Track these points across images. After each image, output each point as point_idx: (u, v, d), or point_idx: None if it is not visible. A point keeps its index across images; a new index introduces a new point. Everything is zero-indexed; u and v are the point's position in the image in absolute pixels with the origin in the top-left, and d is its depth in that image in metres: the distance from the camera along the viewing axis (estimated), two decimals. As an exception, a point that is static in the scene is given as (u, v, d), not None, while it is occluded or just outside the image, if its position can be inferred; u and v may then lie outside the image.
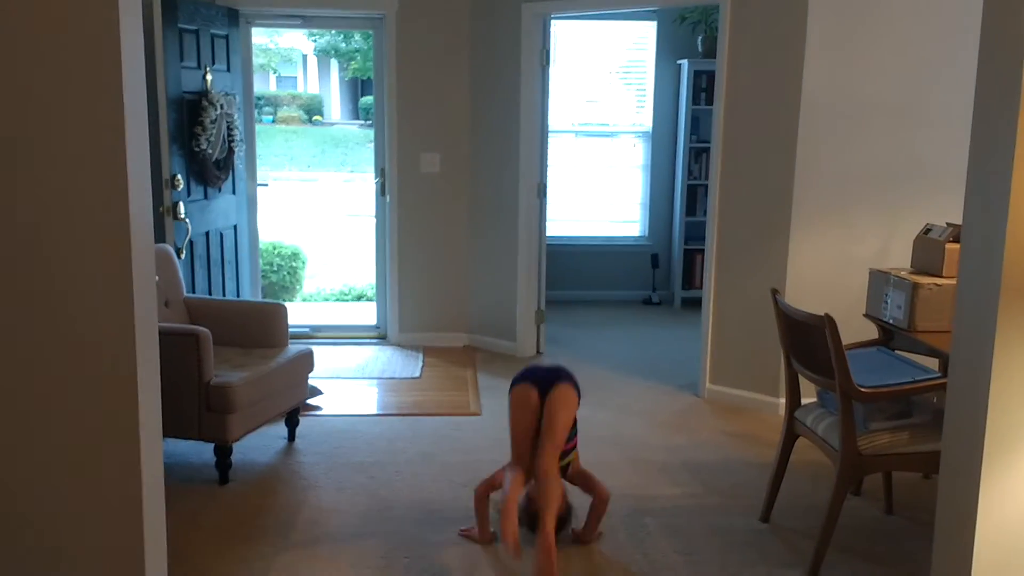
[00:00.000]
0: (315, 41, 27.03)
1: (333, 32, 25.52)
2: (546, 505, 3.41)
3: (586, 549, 3.64)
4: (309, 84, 30.07)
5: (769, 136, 5.08)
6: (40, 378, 2.41)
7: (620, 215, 8.35)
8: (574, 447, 3.75)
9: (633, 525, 3.86)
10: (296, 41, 27.17)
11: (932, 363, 3.90)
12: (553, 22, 6.58)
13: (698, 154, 7.92)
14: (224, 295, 5.91)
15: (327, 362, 6.09)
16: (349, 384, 5.76)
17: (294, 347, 4.74)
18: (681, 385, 5.79)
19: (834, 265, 5.08)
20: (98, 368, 2.40)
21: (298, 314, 7.21)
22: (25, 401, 2.42)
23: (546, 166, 6.28)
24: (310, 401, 5.25)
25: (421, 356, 6.36)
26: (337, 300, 9.72)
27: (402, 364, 6.17)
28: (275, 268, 9.25)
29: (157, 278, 4.45)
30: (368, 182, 7.07)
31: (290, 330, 4.85)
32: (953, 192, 4.73)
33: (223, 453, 4.20)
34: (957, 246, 3.70)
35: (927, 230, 4.04)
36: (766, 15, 5.01)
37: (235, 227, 6.08)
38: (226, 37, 5.84)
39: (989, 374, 2.41)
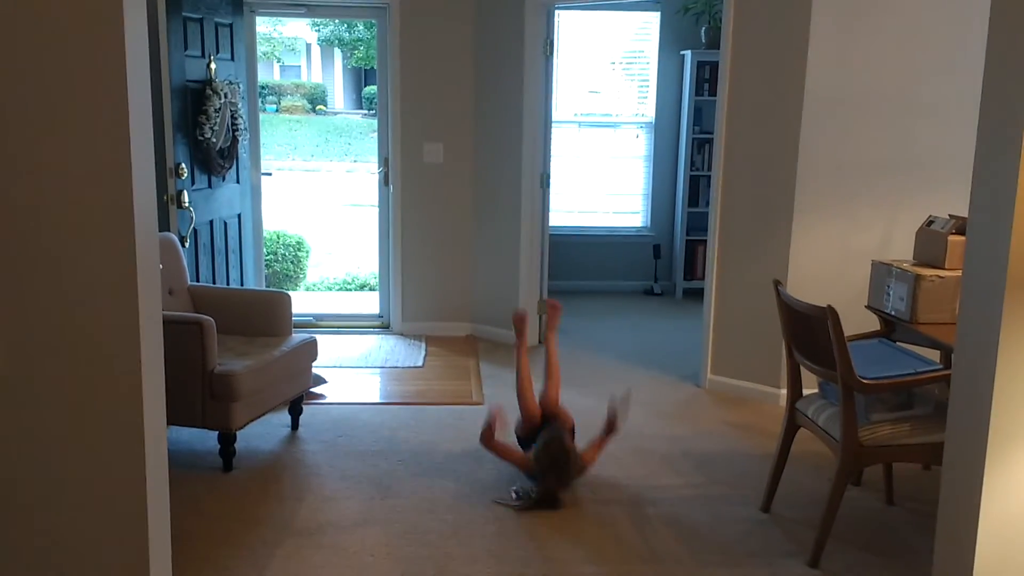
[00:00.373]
0: (318, 31, 27.01)
1: (336, 21, 25.50)
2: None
3: (589, 537, 3.65)
4: (313, 73, 30.07)
5: (772, 127, 5.08)
6: (44, 366, 2.42)
7: (622, 206, 8.36)
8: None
9: (635, 514, 3.88)
10: (300, 30, 27.18)
11: (934, 355, 3.91)
12: (556, 12, 6.57)
13: (701, 145, 7.92)
14: (228, 284, 5.92)
15: (330, 351, 6.11)
16: (352, 373, 5.78)
17: (298, 336, 4.75)
18: (683, 376, 5.80)
19: (836, 256, 5.09)
20: (102, 356, 2.41)
21: (302, 303, 7.23)
22: (29, 389, 2.43)
23: (549, 156, 6.29)
24: (313, 389, 5.27)
25: (424, 345, 6.38)
26: (340, 289, 9.74)
27: (405, 353, 6.19)
28: (279, 257, 9.27)
29: (161, 266, 4.47)
30: (371, 172, 7.07)
31: (294, 319, 4.87)
32: (956, 184, 4.74)
33: (227, 441, 4.23)
34: (960, 238, 3.71)
35: (930, 222, 4.04)
36: (770, 6, 5.00)
37: (239, 216, 6.09)
38: (230, 26, 5.84)
39: (994, 366, 2.42)
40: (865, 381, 3.29)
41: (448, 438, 4.69)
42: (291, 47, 28.44)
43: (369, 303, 7.32)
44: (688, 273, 8.13)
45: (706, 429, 4.89)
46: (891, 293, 3.91)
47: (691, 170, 7.97)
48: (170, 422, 4.17)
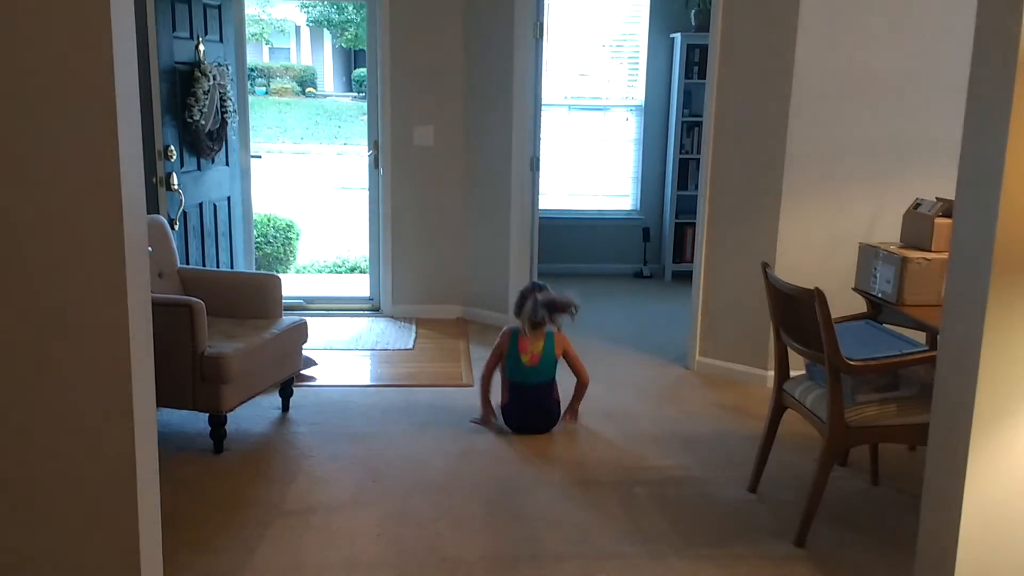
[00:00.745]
0: (307, 12, 26.88)
1: (326, 3, 25.38)
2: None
3: (578, 518, 3.68)
4: (302, 56, 29.93)
5: (761, 110, 5.09)
6: (32, 350, 2.41)
7: (612, 189, 8.36)
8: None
9: (623, 495, 3.91)
10: (289, 12, 27.04)
11: (920, 336, 3.94)
12: (547, -6, 6.56)
13: (690, 128, 7.93)
14: (218, 266, 5.92)
15: (321, 333, 6.11)
16: (343, 355, 5.79)
17: (288, 318, 4.76)
18: (671, 358, 5.83)
19: (824, 239, 5.11)
20: (91, 339, 2.41)
21: (292, 286, 7.23)
22: (17, 373, 2.43)
23: (539, 139, 6.29)
24: (304, 372, 5.28)
25: (414, 328, 6.39)
26: (331, 272, 9.73)
27: (395, 336, 6.20)
28: (269, 240, 9.26)
29: (151, 249, 4.47)
30: (362, 155, 7.05)
31: (284, 301, 4.87)
32: (943, 167, 4.76)
33: (217, 423, 4.24)
34: (947, 220, 3.73)
35: (917, 204, 4.07)
36: (760, -11, 5.01)
37: (228, 198, 6.08)
38: (219, 7, 5.82)
39: (979, 347, 2.44)
40: (852, 362, 3.32)
41: (439, 420, 4.71)
42: (280, 28, 28.30)
43: (359, 286, 7.33)
44: (677, 256, 8.15)
45: (694, 411, 4.93)
46: (878, 275, 3.93)
47: (680, 153, 7.98)
48: (160, 404, 4.18)
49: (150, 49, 5.02)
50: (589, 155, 8.26)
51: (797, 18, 4.87)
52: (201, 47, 5.49)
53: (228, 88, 5.75)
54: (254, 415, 4.71)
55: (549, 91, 7.91)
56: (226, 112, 5.73)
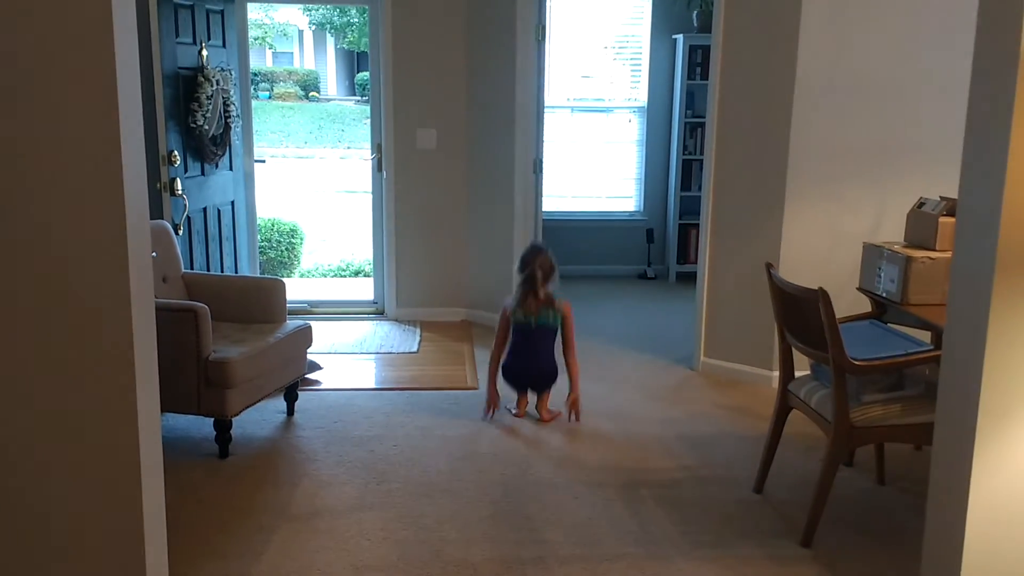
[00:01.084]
0: (310, 15, 26.92)
1: (328, 6, 25.42)
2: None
3: (583, 519, 3.68)
4: (305, 60, 29.97)
5: (764, 111, 5.08)
6: (36, 355, 2.41)
7: (615, 190, 8.36)
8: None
9: (629, 496, 3.91)
10: (292, 16, 27.07)
11: (925, 336, 3.93)
12: (549, -3, 6.56)
13: (693, 129, 7.92)
14: (222, 271, 5.93)
15: (325, 337, 6.12)
16: (347, 359, 5.80)
17: (292, 322, 4.76)
18: (676, 359, 5.83)
19: (828, 239, 5.11)
20: (94, 344, 2.41)
21: (296, 290, 7.24)
22: (21, 378, 2.43)
23: (542, 142, 6.29)
24: (309, 376, 5.28)
25: (418, 331, 6.39)
26: (335, 276, 9.74)
27: (400, 339, 6.20)
28: (273, 244, 9.27)
29: (155, 254, 4.48)
30: (365, 158, 7.06)
31: (288, 306, 4.87)
32: (947, 166, 4.74)
33: (223, 427, 4.24)
34: (951, 220, 3.73)
35: (920, 204, 4.06)
36: (762, -11, 5.01)
37: (232, 203, 6.09)
38: (221, 12, 5.83)
39: (984, 346, 2.44)
40: (856, 362, 3.31)
41: (443, 423, 4.71)
42: (283, 32, 28.34)
43: (363, 289, 7.33)
44: (681, 257, 8.15)
45: (699, 411, 4.92)
46: (882, 275, 3.93)
47: (684, 154, 7.98)
48: (166, 409, 4.18)
49: (153, 54, 5.03)
50: (592, 157, 8.26)
51: (799, 18, 4.87)
52: (204, 52, 5.50)
53: (231, 93, 5.76)
54: (259, 419, 4.71)
55: (551, 93, 7.90)
56: (229, 117, 5.74)
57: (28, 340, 2.41)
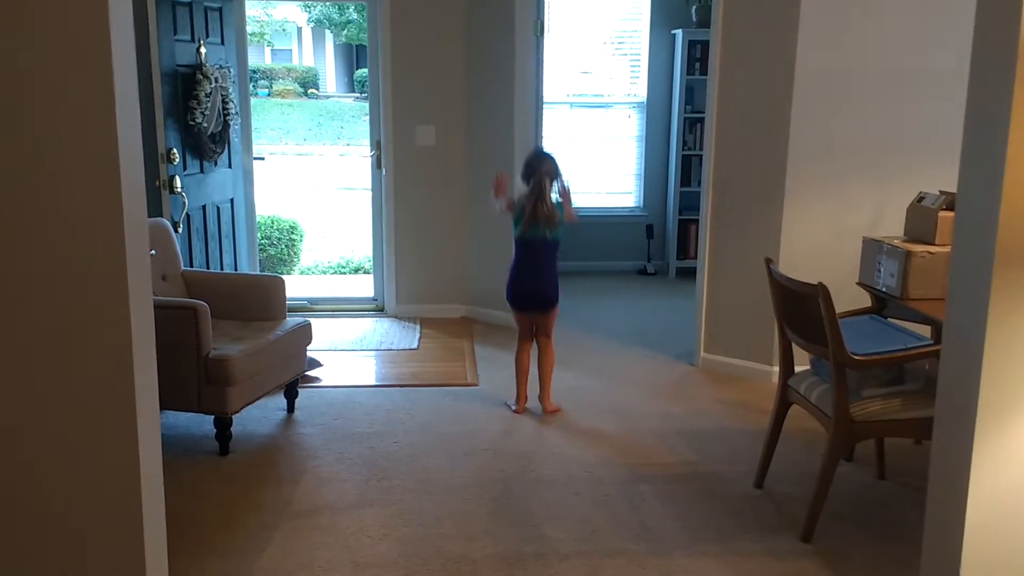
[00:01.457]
0: (308, 12, 26.89)
1: (327, 3, 25.39)
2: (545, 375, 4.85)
3: (584, 515, 3.68)
4: (304, 57, 29.93)
5: (763, 106, 5.08)
6: (34, 354, 2.41)
7: (615, 186, 8.36)
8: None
9: (630, 492, 3.91)
10: (290, 13, 27.05)
11: (925, 330, 3.93)
12: (547, -8, 6.55)
13: (692, 124, 7.92)
14: (222, 268, 5.93)
15: (325, 334, 6.12)
16: (347, 356, 5.80)
17: (292, 320, 4.77)
18: (676, 354, 5.83)
19: (828, 234, 5.10)
20: (92, 343, 2.41)
21: (296, 287, 7.23)
22: (19, 377, 2.43)
23: (541, 137, 6.29)
24: (309, 373, 5.28)
25: (418, 328, 6.39)
26: (335, 273, 9.74)
27: (400, 336, 6.20)
28: (273, 241, 9.26)
29: (155, 252, 4.48)
30: (364, 155, 7.07)
31: (288, 303, 4.88)
32: (946, 160, 4.71)
33: (223, 425, 4.24)
34: (950, 214, 3.72)
35: (920, 198, 4.06)
36: (760, -16, 5.00)
37: (232, 201, 6.09)
38: (219, 10, 5.82)
39: (983, 341, 2.44)
40: (856, 357, 3.31)
41: (443, 419, 4.71)
42: (282, 28, 28.31)
43: (363, 286, 7.33)
44: (681, 252, 8.15)
45: (699, 407, 4.92)
46: (882, 269, 3.93)
47: (683, 150, 7.97)
48: (166, 407, 4.19)
49: (152, 52, 5.03)
50: (592, 152, 8.25)
51: (798, 13, 4.86)
52: (203, 50, 5.50)
53: (230, 90, 5.76)
54: (260, 417, 4.72)
55: (551, 89, 7.91)
56: (228, 114, 5.74)
57: (26, 339, 2.41)
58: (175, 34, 5.24)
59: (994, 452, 2.51)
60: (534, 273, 4.70)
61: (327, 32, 28.49)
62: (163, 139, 5.14)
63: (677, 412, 4.85)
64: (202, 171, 5.60)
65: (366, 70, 7.71)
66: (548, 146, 6.45)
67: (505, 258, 6.27)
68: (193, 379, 4.15)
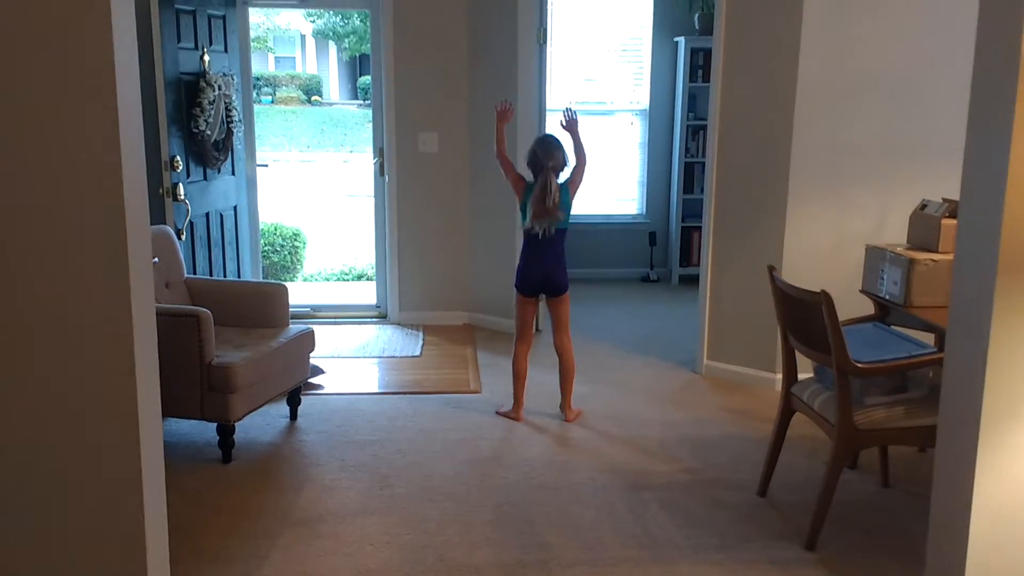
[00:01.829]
0: (313, 23, 26.95)
1: (331, 12, 25.43)
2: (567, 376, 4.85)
3: (586, 523, 3.68)
4: (308, 64, 30.00)
5: (765, 113, 5.08)
6: (36, 361, 2.41)
7: (618, 193, 8.36)
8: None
9: (632, 500, 3.90)
10: (294, 20, 27.10)
11: (928, 338, 3.92)
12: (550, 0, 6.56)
13: (695, 132, 7.92)
14: (225, 276, 5.93)
15: (328, 342, 6.12)
16: (350, 363, 5.80)
17: (295, 327, 4.76)
18: (679, 361, 5.82)
19: (830, 241, 5.10)
20: (95, 351, 2.41)
21: (299, 294, 7.24)
22: (22, 384, 2.43)
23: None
24: (312, 380, 5.28)
25: (421, 335, 6.39)
26: (338, 280, 9.74)
27: (402, 343, 6.20)
28: (276, 248, 9.27)
29: (157, 259, 4.48)
30: (367, 162, 7.07)
31: (291, 310, 4.88)
32: (950, 167, 4.72)
33: (225, 432, 4.24)
34: (953, 222, 3.72)
35: (923, 206, 4.06)
36: (763, -8, 5.01)
37: (235, 208, 6.10)
38: (223, 17, 5.84)
39: (986, 349, 2.43)
40: (860, 365, 3.31)
41: (446, 427, 4.70)
42: (285, 34, 28.38)
43: (366, 293, 7.33)
44: (684, 260, 8.14)
45: (702, 415, 4.92)
46: (885, 277, 3.92)
47: (686, 157, 7.98)
48: (169, 414, 4.19)
49: (155, 60, 5.04)
50: (594, 159, 8.22)
51: (800, 19, 4.87)
52: (206, 57, 5.51)
53: (233, 98, 5.77)
54: (262, 424, 4.71)
55: (553, 96, 7.90)
56: (232, 122, 5.75)
57: (28, 346, 2.41)
58: (178, 42, 5.25)
59: (998, 460, 2.50)
60: (543, 260, 4.71)
61: (330, 42, 28.56)
62: (166, 147, 5.15)
63: (680, 419, 4.85)
64: (205, 178, 5.61)
65: (369, 77, 7.71)
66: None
67: (508, 265, 6.29)
68: (196, 386, 4.15)
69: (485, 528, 3.65)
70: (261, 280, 6.82)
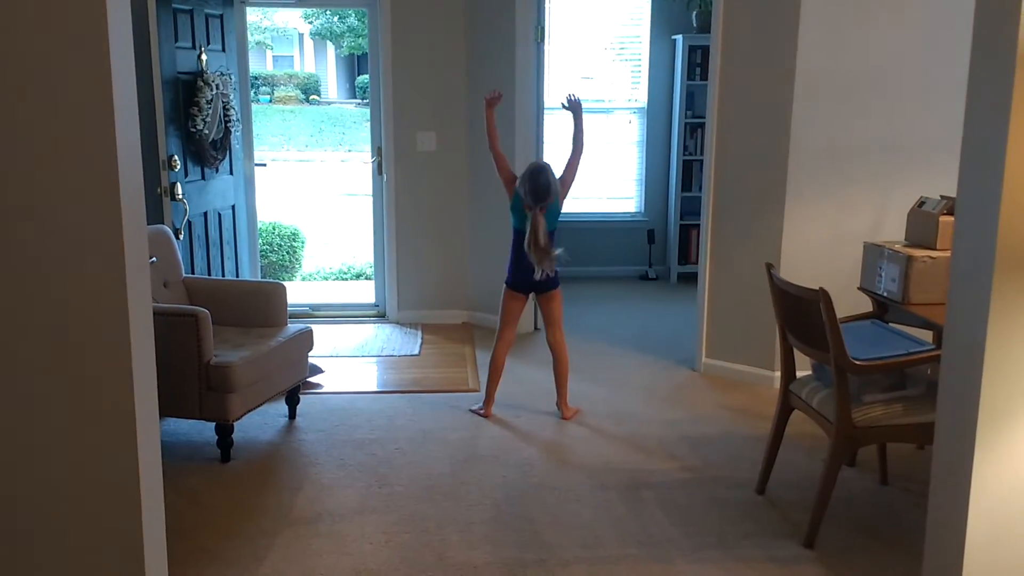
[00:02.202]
0: (311, 23, 26.93)
1: (328, 12, 25.41)
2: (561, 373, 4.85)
3: (585, 521, 3.68)
4: (306, 63, 29.98)
5: (763, 111, 5.08)
6: (33, 361, 2.41)
7: (616, 191, 8.35)
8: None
9: (631, 498, 3.90)
10: (292, 19, 27.09)
11: (926, 335, 3.93)
12: (548, -2, 6.56)
13: (693, 129, 7.92)
14: (223, 275, 5.93)
15: (327, 341, 6.12)
16: (349, 362, 5.80)
17: (293, 326, 4.76)
18: (678, 360, 5.82)
19: (828, 239, 5.10)
20: (91, 350, 2.40)
21: (297, 293, 7.23)
22: (19, 385, 2.43)
23: (542, 143, 6.29)
24: (310, 379, 5.27)
25: (420, 334, 6.39)
26: (336, 279, 9.74)
27: (401, 342, 6.20)
28: (274, 248, 9.27)
29: (156, 259, 4.48)
30: (366, 161, 7.07)
31: (289, 309, 4.88)
32: (947, 164, 4.72)
33: (224, 432, 4.24)
34: (951, 219, 3.71)
35: (921, 203, 4.06)
36: (760, -11, 5.00)
37: (233, 207, 6.09)
38: (220, 17, 5.83)
39: (983, 345, 2.43)
40: (858, 363, 3.31)
41: (445, 426, 4.70)
42: (283, 33, 28.36)
43: (365, 292, 7.33)
44: (682, 257, 8.14)
45: (701, 412, 4.92)
46: (883, 274, 3.92)
47: (684, 155, 7.97)
48: (167, 414, 4.19)
49: (152, 59, 5.04)
50: (593, 157, 8.23)
51: (798, 17, 4.86)
52: (204, 57, 5.50)
53: (231, 97, 5.77)
54: (261, 423, 4.71)
55: (551, 94, 7.88)
56: (229, 121, 5.74)
57: (25, 346, 2.41)
58: (176, 41, 5.25)
59: (996, 457, 2.50)
60: (529, 259, 4.70)
61: (328, 41, 28.55)
62: (164, 146, 5.15)
63: (678, 417, 4.85)
64: (203, 178, 5.60)
65: (367, 76, 7.71)
66: (548, 151, 6.42)
67: (506, 264, 6.29)
68: (194, 386, 4.15)
69: (484, 527, 3.65)
70: (259, 279, 6.82)
